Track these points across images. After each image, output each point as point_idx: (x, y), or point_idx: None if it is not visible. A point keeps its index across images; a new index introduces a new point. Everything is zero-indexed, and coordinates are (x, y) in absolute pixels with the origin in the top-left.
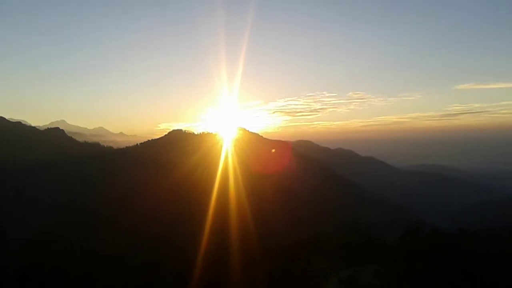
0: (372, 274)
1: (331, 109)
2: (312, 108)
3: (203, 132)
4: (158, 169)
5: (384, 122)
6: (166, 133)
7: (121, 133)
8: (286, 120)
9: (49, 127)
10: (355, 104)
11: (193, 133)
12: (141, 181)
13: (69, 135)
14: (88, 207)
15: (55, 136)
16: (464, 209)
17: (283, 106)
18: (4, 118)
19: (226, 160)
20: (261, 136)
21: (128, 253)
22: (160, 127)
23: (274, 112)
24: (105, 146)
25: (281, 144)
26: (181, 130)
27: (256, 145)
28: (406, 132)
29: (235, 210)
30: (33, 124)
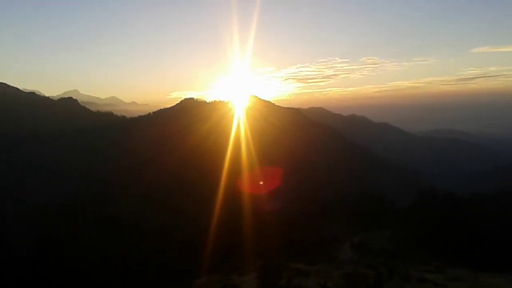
0: (385, 239)
1: (343, 75)
2: (325, 75)
3: (215, 100)
4: (170, 138)
5: (398, 88)
6: (178, 101)
7: (133, 102)
8: (298, 87)
9: (63, 97)
10: (368, 70)
11: (205, 101)
12: (154, 150)
13: (82, 104)
14: (102, 176)
15: (68, 106)
16: (479, 174)
17: (295, 73)
18: (18, 89)
19: (238, 128)
20: (273, 104)
21: (141, 221)
22: (172, 96)
23: (286, 79)
24: (118, 115)
25: (293, 112)
26: (192, 98)
27: (268, 113)
28: (421, 98)
29: (247, 178)
30: (46, 95)
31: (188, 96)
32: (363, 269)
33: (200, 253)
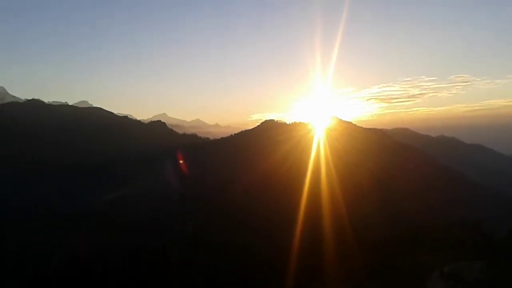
0: (479, 269)
1: (431, 94)
2: (410, 94)
3: (295, 122)
4: (252, 159)
5: (492, 107)
6: (259, 123)
7: (216, 124)
8: (381, 107)
9: (152, 120)
10: (457, 88)
11: (285, 123)
12: (236, 171)
13: (169, 127)
14: (188, 195)
15: (157, 129)
16: None
17: (377, 92)
18: (113, 113)
19: (318, 149)
20: (355, 125)
21: (224, 240)
22: (253, 118)
23: (368, 100)
24: (202, 137)
25: (376, 132)
26: (273, 120)
27: (349, 134)
28: None
29: (328, 201)
30: (138, 118)
31: (268, 118)
32: None
33: (283, 274)
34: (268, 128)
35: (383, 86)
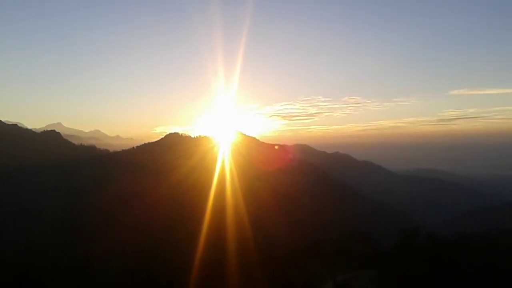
0: (368, 279)
1: (327, 114)
2: (309, 112)
3: (199, 136)
4: (154, 173)
5: (380, 127)
6: (163, 136)
7: (117, 136)
8: (283, 124)
9: (46, 129)
10: (350, 109)
11: (190, 136)
12: (136, 186)
13: (65, 138)
14: (77, 216)
15: (51, 139)
16: (461, 214)
17: (279, 110)
18: (0, 121)
19: (223, 164)
20: (258, 140)
21: (120, 265)
22: (156, 130)
23: (271, 116)
24: (101, 149)
25: (279, 148)
26: (177, 133)
27: (253, 149)
28: (403, 137)
29: (232, 216)
30: (29, 127)
31: (172, 131)
32: None
33: None
34: (172, 142)
35: (285, 104)
